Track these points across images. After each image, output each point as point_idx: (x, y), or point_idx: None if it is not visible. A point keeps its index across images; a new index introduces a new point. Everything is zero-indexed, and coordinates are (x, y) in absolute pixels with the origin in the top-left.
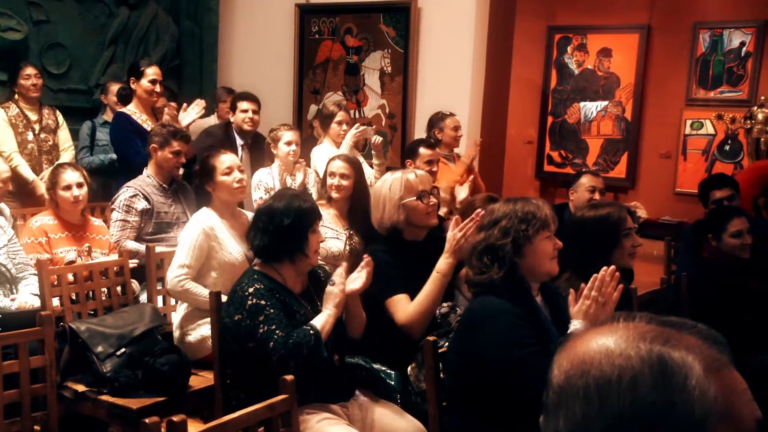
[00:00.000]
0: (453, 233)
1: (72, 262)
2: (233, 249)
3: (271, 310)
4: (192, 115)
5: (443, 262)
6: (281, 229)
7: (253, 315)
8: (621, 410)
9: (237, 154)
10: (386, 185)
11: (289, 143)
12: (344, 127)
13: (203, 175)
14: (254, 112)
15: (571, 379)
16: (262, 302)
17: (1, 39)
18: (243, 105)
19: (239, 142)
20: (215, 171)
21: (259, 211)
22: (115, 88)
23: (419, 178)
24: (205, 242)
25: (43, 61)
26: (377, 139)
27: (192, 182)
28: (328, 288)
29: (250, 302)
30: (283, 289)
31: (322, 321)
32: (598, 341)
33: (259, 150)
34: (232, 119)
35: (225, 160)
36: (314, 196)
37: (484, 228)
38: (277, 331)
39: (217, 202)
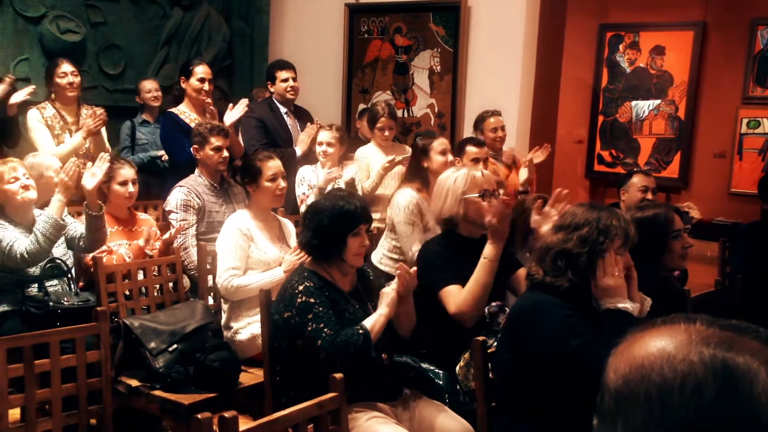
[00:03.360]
0: (487, 219)
1: (142, 249)
2: (267, 248)
3: (320, 308)
4: (236, 114)
5: (488, 248)
6: (320, 228)
7: (302, 312)
8: (684, 417)
9: (286, 124)
10: (452, 178)
11: (320, 144)
12: (386, 133)
13: (247, 174)
14: (293, 79)
15: (630, 383)
16: (312, 300)
17: (60, 41)
18: (283, 74)
19: (283, 110)
20: (261, 175)
21: (308, 207)
22: (147, 86)
23: (485, 177)
24: (245, 242)
25: (100, 62)
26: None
27: (234, 176)
28: (384, 289)
29: (299, 300)
30: (332, 288)
31: (372, 321)
32: (657, 345)
33: (303, 123)
34: (271, 90)
35: (272, 166)
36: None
37: (562, 229)
38: (326, 329)
39: (254, 204)
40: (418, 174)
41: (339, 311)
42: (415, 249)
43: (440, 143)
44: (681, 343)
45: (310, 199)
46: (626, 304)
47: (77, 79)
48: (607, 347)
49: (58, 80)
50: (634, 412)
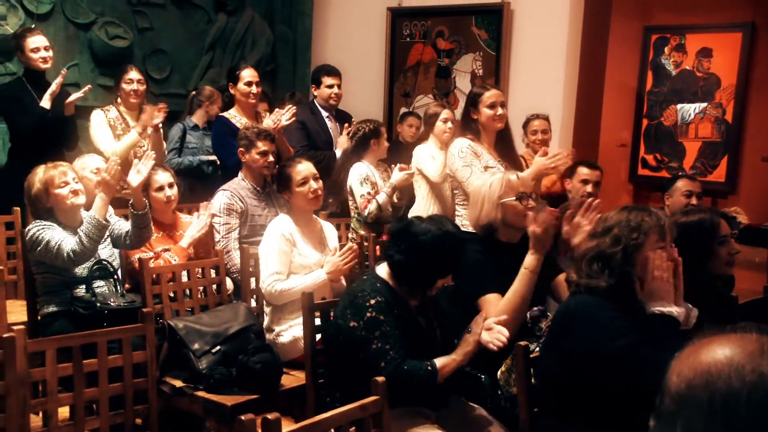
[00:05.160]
0: (532, 228)
1: (185, 251)
2: (308, 253)
3: (388, 328)
4: (282, 120)
5: (529, 258)
6: (414, 266)
7: (369, 328)
8: (748, 428)
9: (327, 127)
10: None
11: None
12: (449, 125)
13: (280, 182)
14: (338, 86)
15: (694, 389)
16: (381, 317)
17: (108, 46)
18: (328, 80)
19: (324, 114)
20: (291, 181)
21: (409, 226)
22: (219, 100)
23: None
24: (288, 246)
25: (146, 67)
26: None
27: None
28: (466, 335)
29: (369, 314)
30: (401, 304)
31: (443, 362)
32: (726, 352)
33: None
34: (315, 93)
35: (301, 170)
36: (422, 192)
37: (596, 236)
38: (391, 352)
39: (294, 209)
40: (469, 125)
41: (404, 329)
42: (476, 183)
43: (490, 95)
44: (751, 353)
45: (381, 197)
46: (671, 309)
47: (142, 87)
48: (654, 350)
49: (124, 85)
50: (695, 418)
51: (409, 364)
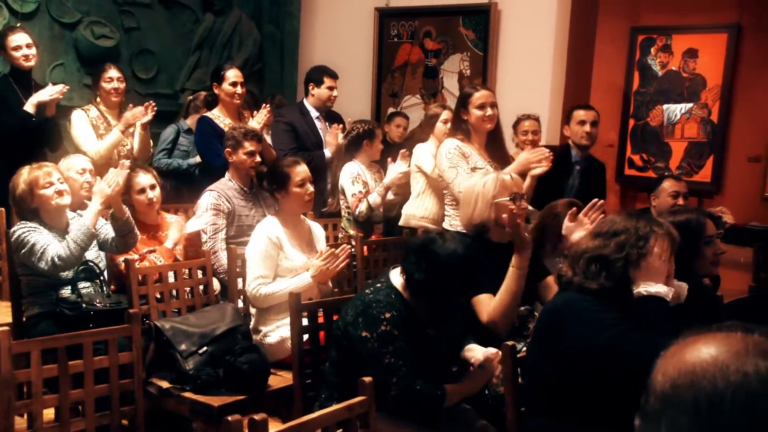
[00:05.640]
0: (507, 229)
1: (171, 251)
2: (295, 257)
3: (402, 343)
4: (257, 120)
5: (514, 257)
6: (430, 287)
7: (383, 341)
8: (732, 428)
9: (316, 128)
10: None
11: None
12: (449, 125)
13: (275, 181)
14: (336, 89)
15: (679, 388)
16: (395, 332)
17: (94, 46)
18: (330, 82)
19: (314, 114)
20: (289, 181)
21: (432, 244)
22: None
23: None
24: (274, 250)
25: (133, 67)
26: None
27: (261, 183)
28: (478, 371)
29: (383, 327)
30: (414, 319)
31: (452, 390)
32: (711, 352)
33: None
34: (312, 92)
35: (300, 171)
36: (418, 188)
37: (600, 236)
38: (403, 368)
39: (284, 210)
40: (459, 126)
41: (414, 342)
42: (462, 187)
43: (479, 96)
44: (736, 353)
45: (373, 197)
46: (659, 288)
47: (122, 85)
48: (644, 335)
49: (103, 84)
50: (680, 417)
51: (421, 385)
